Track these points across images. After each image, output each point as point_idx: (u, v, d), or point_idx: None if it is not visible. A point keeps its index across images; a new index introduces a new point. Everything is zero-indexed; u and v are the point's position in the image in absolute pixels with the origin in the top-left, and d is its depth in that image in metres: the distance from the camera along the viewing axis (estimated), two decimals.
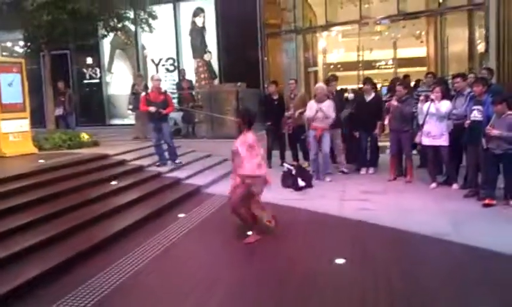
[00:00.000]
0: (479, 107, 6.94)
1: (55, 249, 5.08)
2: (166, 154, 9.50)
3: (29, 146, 9.49)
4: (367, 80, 9.53)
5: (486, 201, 6.62)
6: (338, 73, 13.21)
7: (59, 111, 12.90)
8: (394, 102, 8.43)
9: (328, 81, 10.05)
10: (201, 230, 6.18)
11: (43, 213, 5.80)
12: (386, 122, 8.79)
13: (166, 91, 9.92)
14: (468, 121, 7.04)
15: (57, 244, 5.19)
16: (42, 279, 4.44)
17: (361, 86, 10.32)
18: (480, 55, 12.15)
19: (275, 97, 10.29)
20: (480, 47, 12.08)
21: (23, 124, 9.43)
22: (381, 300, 3.96)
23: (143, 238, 5.75)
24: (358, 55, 14.70)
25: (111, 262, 4.96)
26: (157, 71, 16.12)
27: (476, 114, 6.96)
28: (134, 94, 12.45)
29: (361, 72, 14.38)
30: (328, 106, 8.80)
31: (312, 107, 8.91)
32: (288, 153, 10.31)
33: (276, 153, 10.37)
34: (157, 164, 9.20)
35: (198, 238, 5.89)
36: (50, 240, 5.21)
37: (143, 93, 9.84)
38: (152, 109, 9.05)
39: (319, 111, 8.74)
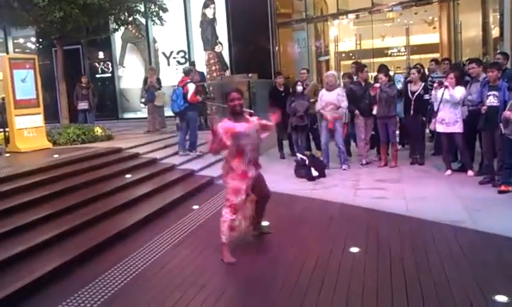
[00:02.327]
0: (495, 93, 6.83)
1: (70, 243, 5.12)
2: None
3: (44, 141, 9.58)
4: (382, 68, 9.38)
5: (502, 188, 6.54)
6: (350, 62, 13.12)
7: (84, 105, 13.11)
8: (377, 85, 8.48)
9: (361, 68, 9.67)
10: (216, 221, 6.17)
11: (58, 207, 5.85)
12: (374, 112, 8.71)
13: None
14: (484, 107, 6.94)
15: (72, 238, 5.23)
16: (58, 272, 4.49)
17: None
18: (494, 41, 11.97)
19: (281, 89, 10.36)
20: (495, 32, 11.90)
21: (37, 119, 9.51)
22: (395, 287, 3.95)
23: (158, 231, 5.78)
24: (356, 45, 14.57)
25: (126, 255, 5.00)
26: (169, 64, 16.17)
27: (492, 100, 6.86)
28: (147, 89, 12.50)
29: (373, 60, 14.27)
30: (339, 95, 8.68)
31: (321, 96, 8.84)
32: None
33: (285, 144, 10.41)
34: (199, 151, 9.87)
35: (212, 229, 5.89)
36: (65, 234, 5.25)
37: (194, 85, 10.04)
38: (201, 98, 9.98)
39: (328, 101, 8.65)
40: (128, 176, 7.67)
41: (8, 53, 16.97)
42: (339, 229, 5.63)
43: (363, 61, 13.27)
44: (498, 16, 11.36)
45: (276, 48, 14.55)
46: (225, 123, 4.83)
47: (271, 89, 11.01)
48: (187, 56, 15.92)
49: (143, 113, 14.46)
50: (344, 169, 8.77)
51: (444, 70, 9.16)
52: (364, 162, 9.07)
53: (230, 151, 4.85)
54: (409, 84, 8.79)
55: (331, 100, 8.65)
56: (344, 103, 8.68)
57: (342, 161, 8.91)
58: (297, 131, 9.47)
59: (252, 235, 5.38)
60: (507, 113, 6.31)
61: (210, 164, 9.33)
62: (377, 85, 8.58)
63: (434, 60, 10.56)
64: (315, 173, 8.26)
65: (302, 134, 9.52)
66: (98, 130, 10.52)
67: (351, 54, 16.69)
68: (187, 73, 10.28)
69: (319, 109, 8.89)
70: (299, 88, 9.42)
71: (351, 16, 15.48)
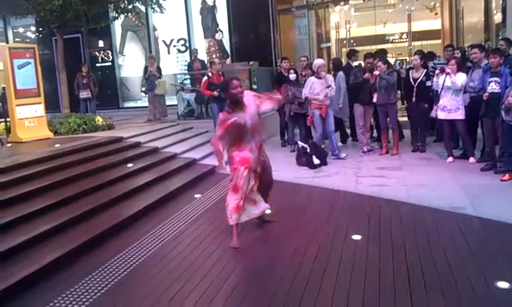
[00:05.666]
0: (497, 79, 6.81)
1: (72, 233, 5.13)
2: None
3: (45, 130, 9.57)
4: (380, 55, 9.29)
5: (506, 177, 6.47)
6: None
7: (85, 94, 13.23)
8: (377, 72, 8.41)
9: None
10: (218, 210, 6.19)
11: (60, 197, 5.85)
12: (374, 100, 8.65)
13: (223, 73, 10.44)
14: (486, 94, 6.89)
15: (73, 228, 5.24)
16: (60, 262, 4.51)
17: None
18: (496, 26, 11.88)
19: (286, 74, 10.18)
20: (497, 18, 11.82)
21: (38, 109, 9.48)
22: (397, 275, 3.95)
23: (160, 220, 5.80)
24: (347, 32, 14.44)
25: (128, 244, 5.01)
26: (169, 52, 16.11)
27: (494, 86, 6.83)
28: (147, 77, 12.45)
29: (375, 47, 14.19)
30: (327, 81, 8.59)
31: (310, 84, 8.69)
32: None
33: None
34: None
35: (214, 217, 5.91)
36: (66, 224, 5.26)
37: (205, 77, 10.26)
38: (216, 93, 9.83)
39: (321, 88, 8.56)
40: (129, 165, 7.67)
41: (7, 42, 16.91)
42: (341, 217, 5.64)
43: (365, 48, 13.25)
44: (501, 2, 11.27)
45: (277, 35, 14.46)
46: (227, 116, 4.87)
47: (276, 75, 10.92)
48: (187, 44, 15.83)
49: (144, 102, 14.43)
50: (344, 158, 8.70)
51: (446, 56, 9.09)
52: (365, 149, 9.04)
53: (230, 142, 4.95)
54: (411, 71, 8.75)
55: (320, 87, 8.58)
56: (332, 89, 8.61)
57: (337, 149, 8.83)
58: (295, 119, 9.44)
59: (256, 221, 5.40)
60: (511, 100, 6.27)
61: (211, 153, 9.31)
62: (376, 72, 8.50)
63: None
64: (316, 161, 8.25)
65: (301, 122, 9.49)
66: (99, 120, 10.50)
67: (352, 41, 16.61)
68: (209, 64, 10.84)
69: (307, 95, 8.76)
70: (293, 76, 9.37)
71: (352, 2, 15.38)
